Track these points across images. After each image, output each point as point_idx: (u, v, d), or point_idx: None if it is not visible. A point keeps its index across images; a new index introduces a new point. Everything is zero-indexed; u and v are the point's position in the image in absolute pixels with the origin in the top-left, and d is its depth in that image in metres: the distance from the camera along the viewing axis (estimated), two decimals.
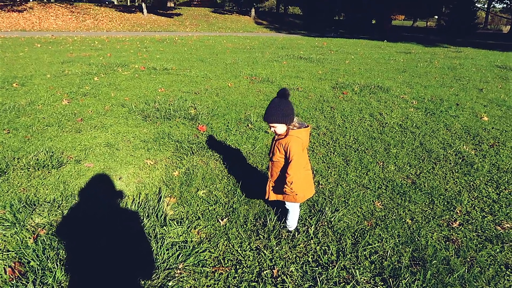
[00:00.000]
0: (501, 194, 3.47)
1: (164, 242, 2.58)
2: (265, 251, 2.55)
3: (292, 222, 2.76)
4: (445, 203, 3.28)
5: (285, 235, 2.74)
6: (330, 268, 2.41)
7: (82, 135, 4.67)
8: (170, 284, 2.23)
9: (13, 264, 2.32)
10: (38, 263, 2.34)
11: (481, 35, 38.45)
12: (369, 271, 2.40)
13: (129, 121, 5.24)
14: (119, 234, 2.70)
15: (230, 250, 2.57)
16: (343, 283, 2.29)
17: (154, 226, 2.77)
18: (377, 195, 3.38)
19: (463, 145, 4.71)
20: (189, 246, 2.57)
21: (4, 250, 2.47)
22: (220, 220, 2.90)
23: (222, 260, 2.47)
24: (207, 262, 2.44)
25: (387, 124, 5.46)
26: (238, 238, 2.69)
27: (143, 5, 33.24)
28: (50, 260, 2.36)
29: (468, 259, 2.54)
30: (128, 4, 46.92)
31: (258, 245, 2.62)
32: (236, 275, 2.34)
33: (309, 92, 7.47)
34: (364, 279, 2.33)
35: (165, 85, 7.75)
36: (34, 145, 4.27)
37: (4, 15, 26.23)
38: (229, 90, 7.49)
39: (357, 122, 5.53)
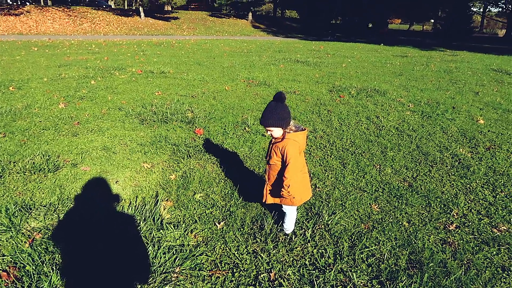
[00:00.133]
0: (497, 196, 3.48)
1: (160, 246, 2.57)
2: (262, 255, 2.54)
3: (289, 225, 2.75)
4: (442, 205, 3.29)
5: (282, 238, 2.73)
6: (327, 271, 2.41)
7: (79, 138, 4.65)
8: None
9: (8, 269, 2.31)
10: (34, 267, 2.32)
11: (477, 38, 38.70)
12: (366, 274, 2.40)
13: (126, 125, 5.23)
14: (116, 237, 2.69)
15: (227, 254, 2.56)
16: (341, 286, 2.29)
17: (150, 230, 2.76)
18: (374, 198, 3.38)
19: (459, 148, 4.73)
20: (186, 249, 2.56)
21: None
22: (217, 224, 2.90)
23: (219, 264, 2.46)
24: (204, 265, 2.43)
25: (383, 127, 5.47)
26: (235, 242, 2.69)
27: (141, 8, 33.28)
28: (45, 265, 2.35)
29: (465, 262, 2.54)
30: (126, 7, 46.99)
31: (255, 249, 2.62)
32: (233, 278, 2.33)
33: (306, 96, 7.48)
34: (361, 282, 2.33)
35: (162, 88, 7.75)
36: (31, 149, 4.25)
37: (1, 18, 26.19)
38: (226, 93, 7.50)
39: (354, 125, 5.54)
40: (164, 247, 2.56)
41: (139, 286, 2.23)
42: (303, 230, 2.84)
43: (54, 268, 2.32)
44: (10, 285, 2.19)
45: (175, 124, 5.30)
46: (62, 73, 9.01)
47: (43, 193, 3.28)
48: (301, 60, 13.43)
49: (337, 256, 2.56)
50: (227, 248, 2.62)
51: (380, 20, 41.69)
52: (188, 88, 7.85)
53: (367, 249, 2.64)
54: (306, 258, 2.54)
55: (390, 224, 2.96)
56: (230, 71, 10.51)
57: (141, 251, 2.54)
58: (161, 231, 2.75)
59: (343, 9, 39.68)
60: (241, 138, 4.83)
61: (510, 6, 43.27)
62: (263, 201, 2.64)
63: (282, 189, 2.37)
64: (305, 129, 2.42)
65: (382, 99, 7.31)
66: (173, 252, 2.52)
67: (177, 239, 2.68)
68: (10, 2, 35.05)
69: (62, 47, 16.18)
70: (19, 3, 35.48)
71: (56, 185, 3.42)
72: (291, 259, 2.53)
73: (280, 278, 2.34)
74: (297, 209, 2.87)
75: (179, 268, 2.38)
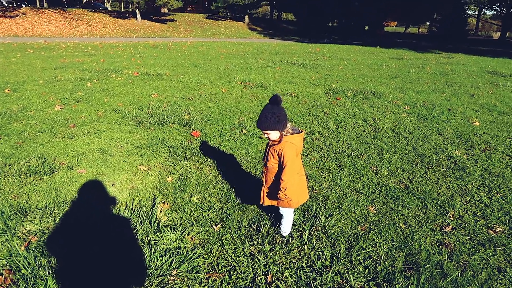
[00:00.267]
0: (493, 198, 3.50)
1: (157, 249, 2.56)
2: (259, 257, 2.54)
3: (286, 227, 2.75)
4: (438, 207, 3.30)
5: (279, 241, 2.73)
6: (324, 273, 2.41)
7: (75, 141, 4.64)
8: None
9: (4, 272, 2.29)
10: (30, 271, 2.31)
11: (472, 41, 38.96)
12: (363, 276, 2.40)
13: (122, 127, 5.22)
14: (112, 240, 2.67)
15: (224, 256, 2.56)
16: None
17: (147, 233, 2.75)
18: (370, 200, 3.39)
19: (455, 149, 4.75)
20: (182, 252, 2.56)
21: None
22: (214, 226, 2.89)
23: (216, 266, 2.45)
24: (200, 268, 2.43)
25: (380, 129, 5.49)
26: (232, 244, 2.68)
27: (137, 11, 33.26)
28: (41, 268, 2.33)
29: (461, 263, 2.55)
30: (122, 10, 46.94)
31: (252, 251, 2.61)
32: (230, 281, 2.33)
33: (302, 98, 7.50)
34: (358, 284, 2.33)
35: (159, 90, 7.74)
36: (26, 152, 4.23)
37: None
38: (223, 95, 7.50)
39: (351, 127, 5.56)
40: (160, 250, 2.55)
41: None
42: (300, 232, 2.84)
43: (50, 272, 2.31)
44: None
45: (171, 127, 5.30)
46: (58, 75, 8.98)
47: (38, 196, 3.26)
48: (297, 62, 13.46)
49: (334, 258, 2.56)
50: (224, 250, 2.62)
51: (376, 22, 41.90)
52: (185, 90, 7.84)
53: (364, 251, 2.64)
54: (303, 260, 2.54)
55: (386, 226, 2.97)
56: (226, 73, 10.51)
57: (138, 254, 2.53)
58: (157, 233, 2.74)
59: (338, 11, 39.81)
60: (237, 141, 4.83)
61: (504, 9, 43.60)
62: (260, 203, 2.64)
63: (279, 192, 2.37)
64: (302, 132, 2.43)
65: (378, 101, 7.34)
66: (170, 255, 2.52)
67: (173, 241, 2.67)
68: (6, 4, 34.91)
69: (58, 49, 16.14)
70: (14, 5, 35.36)
71: (52, 188, 3.40)
72: (288, 261, 2.53)
73: (277, 281, 2.34)
74: (294, 211, 2.87)
75: (176, 271, 2.37)
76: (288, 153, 2.32)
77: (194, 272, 2.38)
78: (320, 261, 2.53)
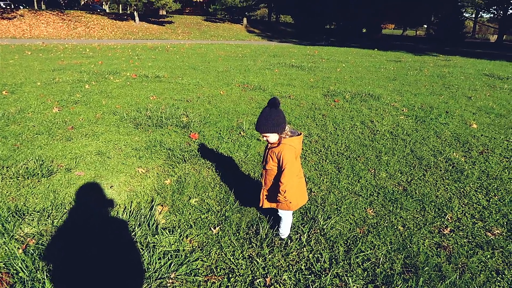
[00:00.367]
0: (491, 200, 3.51)
1: (156, 251, 2.55)
2: (258, 260, 2.54)
3: (285, 229, 2.75)
4: (436, 210, 3.31)
5: (278, 243, 2.73)
6: (323, 276, 2.40)
7: (73, 143, 4.62)
8: None
9: (1, 275, 2.28)
10: (27, 273, 2.30)
11: (469, 44, 39.16)
12: (362, 278, 2.40)
13: (121, 129, 5.21)
14: (110, 243, 2.67)
15: (223, 259, 2.55)
16: None
17: (145, 235, 2.75)
18: (369, 202, 3.39)
19: (453, 152, 4.76)
20: (181, 255, 2.55)
21: None
22: (212, 229, 2.89)
23: (214, 269, 2.45)
24: (199, 271, 2.42)
25: (378, 132, 5.50)
26: (231, 247, 2.68)
27: (135, 13, 33.26)
28: (39, 271, 2.32)
29: (460, 266, 2.55)
30: (120, 12, 46.90)
31: (250, 254, 2.61)
32: (229, 284, 2.32)
33: (301, 100, 7.51)
34: (357, 287, 2.33)
35: (157, 92, 7.74)
36: (24, 154, 4.22)
37: None
38: (221, 98, 7.50)
39: (349, 130, 5.57)
40: (159, 253, 2.55)
41: None
42: (299, 234, 2.84)
43: (48, 275, 2.30)
44: None
45: (170, 129, 5.29)
46: (56, 77, 8.96)
47: (36, 198, 3.25)
48: (295, 64, 13.49)
49: (333, 260, 2.56)
50: (222, 253, 2.61)
51: (374, 25, 42.04)
52: (183, 93, 7.84)
53: (363, 254, 2.64)
54: (301, 262, 2.54)
55: (385, 228, 2.97)
56: (225, 75, 10.52)
57: (136, 256, 2.52)
58: (156, 236, 2.73)
59: (336, 14, 39.92)
60: (236, 143, 4.83)
61: (501, 12, 43.84)
62: (260, 205, 2.64)
63: (279, 194, 2.37)
64: (300, 134, 2.43)
65: (376, 104, 7.36)
66: (168, 257, 2.51)
67: (172, 244, 2.67)
68: (4, 6, 34.86)
69: (56, 51, 16.11)
70: (12, 7, 35.31)
71: (49, 190, 3.39)
72: (287, 264, 2.52)
73: (276, 283, 2.34)
74: (292, 214, 2.87)
75: (175, 273, 2.37)
76: (287, 155, 2.32)
77: (192, 274, 2.38)
78: (319, 263, 2.53)
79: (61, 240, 2.69)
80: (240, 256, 2.58)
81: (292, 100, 7.52)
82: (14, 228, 2.77)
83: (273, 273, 2.42)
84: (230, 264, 2.50)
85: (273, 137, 2.35)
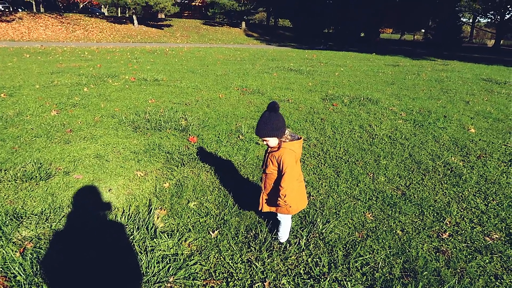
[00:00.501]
0: (489, 205, 3.52)
1: (154, 255, 2.54)
2: (256, 264, 2.53)
3: (283, 233, 2.75)
4: (435, 214, 3.31)
5: (276, 247, 2.73)
6: (322, 280, 2.40)
7: (71, 146, 4.61)
8: None
9: None
10: (25, 277, 2.28)
11: (466, 48, 39.35)
12: (360, 283, 2.40)
13: (119, 132, 5.20)
14: (109, 247, 2.66)
15: (221, 263, 2.55)
16: None
17: (144, 239, 2.74)
18: (367, 207, 3.39)
19: (451, 156, 4.77)
20: (179, 258, 2.54)
21: None
22: (211, 232, 2.88)
23: (213, 273, 2.44)
24: (198, 275, 2.42)
25: (376, 136, 5.52)
26: (229, 251, 2.67)
27: (134, 16, 33.30)
28: (37, 275, 2.31)
29: (458, 270, 2.55)
30: (119, 15, 46.99)
31: (249, 258, 2.61)
32: None
33: (299, 104, 7.52)
34: None
35: (156, 96, 7.74)
36: (22, 157, 4.21)
37: None
38: (220, 101, 7.51)
39: (347, 134, 5.57)
40: (157, 256, 2.54)
41: None
42: (298, 238, 2.83)
43: (46, 278, 2.29)
44: None
45: (168, 132, 5.29)
46: (54, 80, 8.95)
47: (34, 202, 3.24)
48: (294, 68, 13.52)
49: (332, 265, 2.56)
50: (221, 257, 2.61)
51: (372, 29, 42.20)
52: (182, 96, 7.84)
53: (362, 258, 2.64)
54: (300, 267, 2.54)
55: (384, 232, 2.97)
56: (223, 79, 10.53)
57: (134, 260, 2.51)
58: (154, 240, 2.73)
59: (334, 18, 40.06)
60: (235, 146, 4.83)
61: (498, 17, 44.13)
62: (259, 209, 2.64)
63: (279, 198, 2.37)
64: (301, 138, 2.44)
65: (374, 108, 7.38)
66: (167, 261, 2.50)
67: (170, 248, 2.66)
68: (2, 9, 34.87)
69: (54, 54, 16.11)
70: (11, 10, 35.31)
71: (48, 193, 3.38)
72: (285, 268, 2.52)
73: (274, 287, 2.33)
74: (291, 218, 2.87)
75: (173, 277, 2.36)
76: (287, 159, 2.32)
77: (191, 279, 2.37)
78: (318, 268, 2.52)
79: (59, 243, 2.68)
80: (239, 260, 2.58)
81: (290, 104, 7.53)
82: (11, 231, 2.76)
83: (272, 277, 2.42)
84: (229, 268, 2.50)
85: (273, 141, 2.35)
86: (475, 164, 4.55)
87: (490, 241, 2.92)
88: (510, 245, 2.87)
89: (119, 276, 2.36)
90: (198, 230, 2.91)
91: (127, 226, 2.89)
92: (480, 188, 3.88)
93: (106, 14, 46.72)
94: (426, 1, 38.57)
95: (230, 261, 2.56)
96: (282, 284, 2.36)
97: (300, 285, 2.36)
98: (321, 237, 2.86)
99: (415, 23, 44.31)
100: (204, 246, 2.72)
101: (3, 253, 2.51)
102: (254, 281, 2.38)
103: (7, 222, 2.86)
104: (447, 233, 3.00)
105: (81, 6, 48.95)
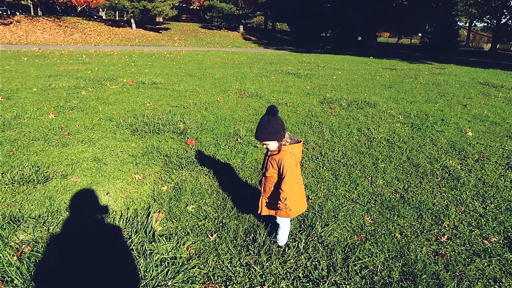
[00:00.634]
0: (487, 208, 3.52)
1: (152, 259, 2.53)
2: (255, 267, 2.52)
3: (282, 237, 2.74)
4: (433, 217, 3.31)
5: (275, 251, 2.72)
6: (321, 283, 2.39)
7: (69, 149, 4.60)
8: None
9: None
10: (22, 281, 2.27)
11: (463, 52, 39.56)
12: (360, 286, 2.39)
13: (117, 135, 5.19)
14: (107, 250, 2.64)
15: (220, 266, 2.54)
16: None
17: (142, 242, 2.73)
18: (366, 210, 3.39)
19: (449, 159, 4.78)
20: (178, 262, 2.53)
21: None
22: (209, 236, 2.87)
23: (212, 277, 2.43)
24: (196, 278, 2.41)
25: (374, 139, 5.52)
26: (228, 254, 2.66)
27: (132, 20, 33.33)
28: (34, 279, 2.29)
29: (457, 274, 2.55)
30: (117, 18, 47.01)
31: (248, 261, 2.60)
32: None
33: (297, 107, 7.53)
34: None
35: (154, 99, 7.74)
36: (19, 160, 4.19)
37: None
38: (218, 104, 7.51)
39: (345, 137, 5.58)
40: (156, 260, 2.53)
41: None
42: (297, 242, 2.83)
43: (44, 282, 2.27)
44: None
45: (166, 135, 5.28)
46: (52, 83, 8.94)
47: (32, 205, 3.22)
48: (292, 72, 13.55)
49: (331, 268, 2.55)
50: (220, 260, 2.60)
51: (369, 33, 42.41)
52: (180, 99, 7.84)
53: (360, 261, 2.63)
54: (299, 270, 2.53)
55: (382, 235, 2.97)
56: (221, 82, 10.54)
57: (133, 263, 2.50)
58: (153, 243, 2.71)
59: (332, 22, 40.20)
60: (233, 149, 4.83)
61: (495, 21, 44.43)
62: (258, 212, 2.63)
63: (279, 202, 2.37)
64: (300, 141, 2.44)
65: (372, 111, 7.40)
66: (165, 265, 2.49)
67: (169, 251, 2.65)
68: (0, 12, 34.83)
69: (52, 57, 16.09)
70: (9, 13, 35.28)
71: (45, 197, 3.37)
72: (284, 271, 2.51)
73: None
74: (290, 221, 2.86)
75: (172, 281, 2.35)
76: (288, 163, 2.32)
77: (190, 282, 2.36)
78: (317, 271, 2.52)
79: (57, 247, 2.66)
80: (238, 263, 2.57)
81: (288, 107, 7.54)
82: (9, 235, 2.74)
83: (271, 281, 2.41)
84: (228, 271, 2.49)
85: (272, 145, 2.35)
86: (473, 167, 4.56)
87: (489, 244, 2.92)
88: (509, 248, 2.87)
89: (117, 280, 2.35)
90: (197, 233, 2.90)
91: (125, 230, 2.88)
92: (478, 191, 3.89)
93: (104, 17, 46.75)
94: (423, 4, 38.83)
95: (229, 265, 2.55)
96: None
97: None
98: (320, 241, 2.86)
99: (412, 27, 44.55)
100: (202, 249, 2.71)
101: (0, 257, 2.50)
102: (253, 285, 2.37)
103: (4, 225, 2.85)
104: (445, 236, 3.00)
105: (79, 9, 48.93)
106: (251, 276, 2.45)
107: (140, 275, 2.38)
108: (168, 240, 2.78)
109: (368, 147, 5.14)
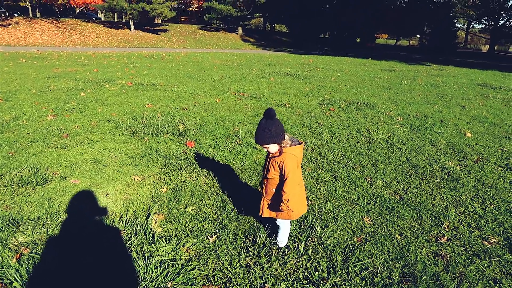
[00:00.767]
0: (486, 209, 3.53)
1: (152, 260, 2.52)
2: (255, 269, 2.52)
3: (282, 238, 2.74)
4: (433, 218, 3.31)
5: (275, 252, 2.71)
6: (321, 285, 2.39)
7: (68, 151, 4.59)
8: None
9: None
10: (21, 283, 2.26)
11: (461, 54, 39.65)
12: (360, 287, 2.39)
13: (116, 137, 5.18)
14: (106, 252, 2.63)
15: (220, 268, 2.53)
16: None
17: (142, 244, 2.72)
18: (366, 211, 3.39)
19: (448, 161, 4.79)
20: (178, 264, 2.52)
21: None
22: (209, 237, 2.87)
23: (211, 278, 2.43)
24: (196, 280, 2.40)
25: (374, 140, 5.53)
26: (228, 256, 2.66)
27: (131, 21, 33.33)
28: (34, 280, 2.28)
29: (457, 275, 2.55)
30: (116, 20, 46.99)
31: (248, 263, 2.59)
32: None
33: (296, 108, 7.54)
34: None
35: (153, 100, 7.73)
36: (18, 161, 4.18)
37: None
38: (217, 106, 7.51)
39: (345, 138, 5.58)
40: (155, 262, 2.52)
41: None
42: (296, 243, 2.82)
43: (43, 284, 2.26)
44: None
45: (166, 137, 5.27)
46: (50, 85, 8.92)
47: (31, 207, 3.21)
48: (291, 73, 13.56)
49: (331, 269, 2.55)
50: (219, 262, 2.59)
51: (368, 35, 42.50)
52: (179, 101, 7.84)
53: (360, 262, 2.63)
54: (299, 272, 2.52)
55: (382, 237, 2.97)
56: (220, 83, 10.54)
57: (132, 265, 2.49)
58: (152, 245, 2.71)
59: (330, 23, 40.24)
60: (232, 151, 4.83)
61: (492, 23, 44.56)
62: (260, 214, 2.62)
63: (282, 204, 2.37)
64: (301, 143, 2.44)
65: (371, 113, 7.40)
66: (165, 266, 2.48)
67: (169, 253, 2.64)
68: None
69: (50, 58, 16.07)
70: (7, 15, 35.25)
71: (44, 199, 3.36)
72: (284, 273, 2.51)
73: None
74: (290, 222, 2.86)
75: (171, 283, 2.34)
76: (289, 164, 2.32)
77: (189, 284, 2.35)
78: (317, 272, 2.51)
79: (56, 249, 2.65)
80: (238, 265, 2.56)
81: (287, 108, 7.55)
82: (8, 237, 2.73)
83: (271, 282, 2.40)
84: (228, 273, 2.48)
85: (273, 148, 2.36)
86: (472, 168, 4.57)
87: (489, 245, 2.92)
88: (508, 249, 2.87)
89: (116, 282, 2.34)
90: (196, 235, 2.90)
91: (124, 231, 2.87)
92: (477, 192, 3.89)
93: (102, 19, 46.70)
94: (422, 5, 38.91)
95: (229, 266, 2.54)
96: None
97: None
98: (319, 242, 2.86)
99: (412, 28, 44.66)
100: (202, 251, 2.71)
101: None
102: (253, 286, 2.36)
103: (3, 227, 2.84)
104: (445, 238, 3.00)
105: (78, 11, 48.94)
106: (251, 277, 2.44)
107: (140, 277, 2.37)
108: (167, 241, 2.77)
109: (368, 148, 5.15)
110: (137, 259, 2.55)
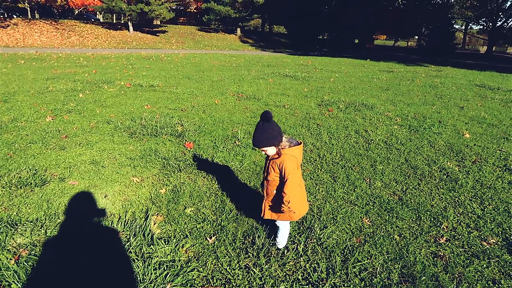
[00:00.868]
0: (485, 209, 3.53)
1: (151, 262, 2.52)
2: (254, 270, 2.52)
3: (282, 239, 2.74)
4: (432, 219, 3.32)
5: (274, 253, 2.71)
6: (321, 286, 2.39)
7: (67, 152, 4.58)
8: None
9: None
10: (20, 285, 2.25)
11: (459, 55, 39.74)
12: None
13: (115, 138, 5.18)
14: (105, 253, 2.63)
15: (219, 269, 2.53)
16: None
17: (141, 245, 2.71)
18: (365, 212, 3.39)
19: (447, 161, 4.80)
20: (177, 265, 2.52)
21: None
22: (208, 238, 2.87)
23: (211, 279, 2.42)
24: (195, 281, 2.40)
25: (372, 141, 5.53)
26: (227, 257, 2.66)
27: (129, 22, 33.32)
28: (32, 282, 2.28)
29: (456, 275, 2.55)
30: (114, 21, 46.96)
31: (247, 264, 2.59)
32: None
33: (295, 109, 7.54)
34: None
35: (151, 102, 7.73)
36: (17, 163, 4.17)
37: None
38: (216, 107, 7.51)
39: (343, 139, 5.59)
40: (154, 263, 2.52)
41: None
42: (296, 244, 2.82)
43: (41, 286, 2.25)
44: None
45: (164, 138, 5.27)
46: (49, 86, 8.91)
47: (29, 208, 3.20)
48: (289, 74, 13.57)
49: (330, 270, 2.55)
50: (218, 263, 2.59)
51: (366, 36, 42.57)
52: (178, 102, 7.84)
53: (360, 263, 2.63)
54: (298, 273, 2.52)
55: (381, 237, 2.97)
56: (219, 85, 10.54)
57: (131, 267, 2.48)
58: (151, 246, 2.70)
59: (328, 27, 40.30)
60: (231, 152, 4.83)
61: (490, 24, 44.68)
62: (261, 216, 2.62)
63: (283, 205, 2.37)
64: (300, 143, 2.44)
65: (370, 113, 7.41)
66: (164, 268, 2.48)
67: (168, 254, 2.64)
68: None
69: (49, 60, 16.06)
70: (6, 16, 35.20)
71: (43, 200, 3.35)
72: (283, 274, 2.51)
73: None
74: (289, 223, 2.86)
75: (170, 284, 2.34)
76: (289, 166, 2.32)
77: (189, 285, 2.35)
78: (316, 273, 2.51)
79: (55, 250, 2.65)
80: (237, 266, 2.56)
81: (286, 109, 7.55)
82: (6, 238, 2.72)
83: (270, 283, 2.40)
84: (227, 274, 2.48)
85: (270, 150, 2.36)
86: (471, 169, 4.58)
87: (487, 246, 2.93)
88: (507, 250, 2.88)
89: (115, 283, 2.34)
90: (195, 236, 2.89)
91: (123, 233, 2.87)
92: (476, 193, 3.90)
93: (101, 20, 46.68)
94: (421, 5, 39.01)
95: (228, 267, 2.54)
96: None
97: None
98: (319, 243, 2.86)
99: (411, 28, 44.72)
100: (201, 252, 2.70)
101: None
102: (252, 287, 2.36)
103: (2, 229, 2.83)
104: (444, 238, 3.01)
105: (76, 12, 48.95)
106: (250, 278, 2.44)
107: (139, 278, 2.37)
108: (166, 243, 2.77)
109: (366, 149, 5.15)
110: (136, 260, 2.54)
